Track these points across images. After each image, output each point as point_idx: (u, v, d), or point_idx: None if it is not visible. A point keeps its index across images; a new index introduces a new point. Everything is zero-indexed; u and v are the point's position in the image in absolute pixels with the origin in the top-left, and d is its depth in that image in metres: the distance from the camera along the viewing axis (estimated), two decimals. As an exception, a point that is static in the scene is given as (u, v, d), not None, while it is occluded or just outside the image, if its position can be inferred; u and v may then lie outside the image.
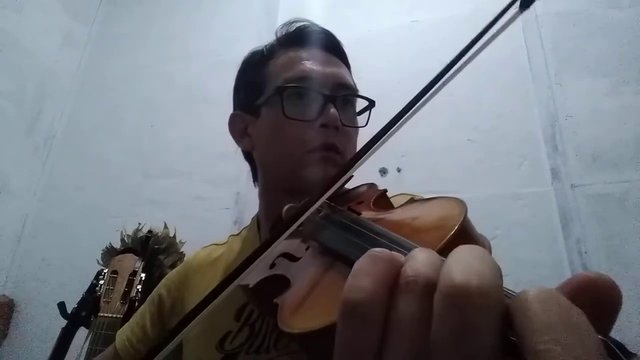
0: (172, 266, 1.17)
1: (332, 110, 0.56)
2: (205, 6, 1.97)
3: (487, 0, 1.26)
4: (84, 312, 0.96)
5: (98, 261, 1.25)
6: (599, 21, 1.38)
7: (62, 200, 1.75)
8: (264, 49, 0.66)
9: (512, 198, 1.26)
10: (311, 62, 0.60)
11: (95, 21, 2.12)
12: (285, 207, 0.46)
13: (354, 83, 0.64)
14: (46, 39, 1.89)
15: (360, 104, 0.65)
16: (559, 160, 1.26)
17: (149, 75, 1.91)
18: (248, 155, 0.69)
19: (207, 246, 0.71)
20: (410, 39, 1.58)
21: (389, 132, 0.33)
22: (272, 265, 0.41)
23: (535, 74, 1.38)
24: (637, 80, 1.27)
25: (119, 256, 1.04)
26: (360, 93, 0.64)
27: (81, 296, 0.99)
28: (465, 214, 0.28)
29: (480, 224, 0.30)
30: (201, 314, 0.28)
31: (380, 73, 1.51)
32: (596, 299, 0.17)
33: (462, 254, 0.18)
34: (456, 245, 0.19)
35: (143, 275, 0.98)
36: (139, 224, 1.29)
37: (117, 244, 1.24)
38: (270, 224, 0.61)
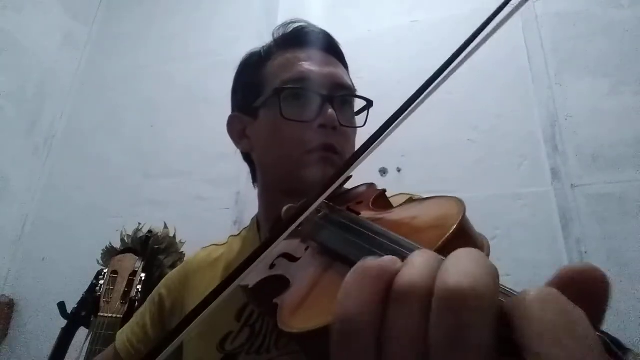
0: (172, 266, 1.17)
1: (330, 110, 0.56)
2: (205, 6, 1.97)
3: (487, 0, 1.26)
4: (84, 312, 0.96)
5: (98, 261, 1.25)
6: (599, 21, 1.38)
7: (62, 200, 1.75)
8: (262, 51, 0.66)
9: (512, 198, 1.26)
10: (308, 63, 0.59)
11: (95, 21, 2.12)
12: (285, 208, 0.46)
13: (352, 83, 0.64)
14: (46, 39, 1.89)
15: (359, 104, 0.65)
16: (559, 160, 1.26)
17: (149, 75, 1.91)
18: (247, 157, 0.69)
19: (207, 247, 0.71)
20: (410, 39, 1.58)
21: (387, 132, 0.33)
22: (272, 266, 0.41)
23: (535, 74, 1.38)
24: (637, 80, 1.27)
25: (119, 256, 1.04)
26: (360, 93, 0.64)
27: (81, 296, 0.99)
28: (464, 213, 0.28)
29: (480, 224, 0.30)
30: (202, 314, 0.28)
31: (380, 73, 1.51)
32: (584, 290, 0.17)
33: (458, 257, 0.18)
34: (455, 244, 0.19)
35: (143, 275, 0.98)
36: (139, 224, 1.29)
37: (117, 244, 1.24)
38: (270, 225, 0.61)
